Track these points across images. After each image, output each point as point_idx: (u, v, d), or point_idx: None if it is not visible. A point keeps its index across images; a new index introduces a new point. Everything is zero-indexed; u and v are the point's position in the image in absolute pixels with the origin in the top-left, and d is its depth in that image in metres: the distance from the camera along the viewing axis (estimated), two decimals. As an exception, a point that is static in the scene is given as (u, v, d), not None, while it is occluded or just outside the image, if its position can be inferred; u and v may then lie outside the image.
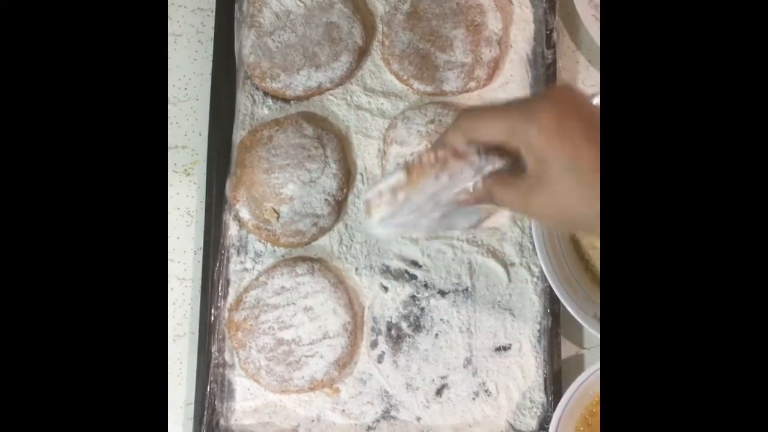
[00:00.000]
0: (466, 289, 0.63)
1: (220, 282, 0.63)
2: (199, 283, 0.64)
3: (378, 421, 0.62)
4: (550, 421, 0.59)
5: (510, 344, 0.62)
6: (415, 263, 0.64)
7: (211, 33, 0.67)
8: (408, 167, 0.44)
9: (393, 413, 0.62)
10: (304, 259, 0.63)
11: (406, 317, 0.63)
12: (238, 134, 0.65)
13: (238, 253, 0.64)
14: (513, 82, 0.66)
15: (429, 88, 0.65)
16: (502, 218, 0.64)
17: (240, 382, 0.62)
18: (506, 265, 0.63)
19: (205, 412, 0.60)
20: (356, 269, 0.64)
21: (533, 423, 0.61)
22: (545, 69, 0.65)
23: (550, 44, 0.65)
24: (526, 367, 0.62)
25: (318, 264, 0.63)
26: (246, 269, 0.64)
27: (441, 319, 0.63)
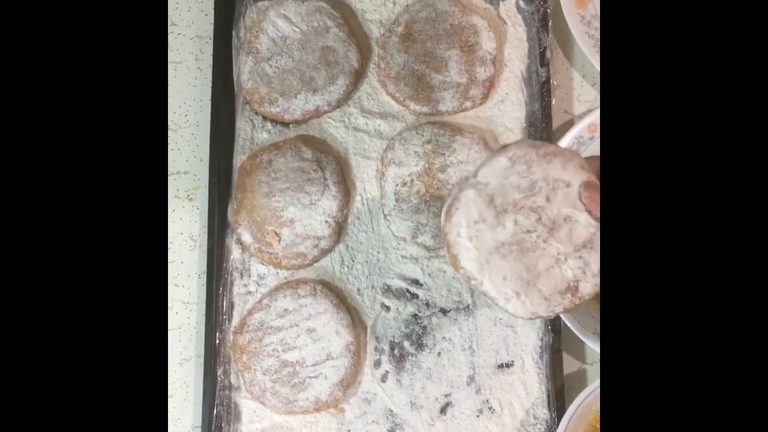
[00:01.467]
0: (468, 307, 0.64)
1: (225, 305, 0.64)
2: (203, 306, 0.65)
3: (383, 440, 0.62)
4: (554, 437, 0.59)
5: (512, 361, 0.63)
6: (416, 282, 0.64)
7: (210, 60, 0.68)
8: None
9: (398, 432, 0.62)
10: (306, 280, 0.64)
11: (408, 336, 0.63)
12: (239, 159, 0.66)
13: (242, 276, 0.65)
14: (508, 100, 0.67)
15: (425, 109, 0.65)
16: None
17: (246, 404, 0.63)
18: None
19: (212, 435, 0.61)
20: (358, 289, 0.64)
21: (537, 439, 0.61)
22: (540, 87, 0.66)
23: (544, 62, 0.66)
24: (529, 384, 0.62)
25: (320, 285, 0.63)
26: (249, 292, 0.65)
27: (443, 338, 0.63)
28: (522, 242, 0.45)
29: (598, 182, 0.46)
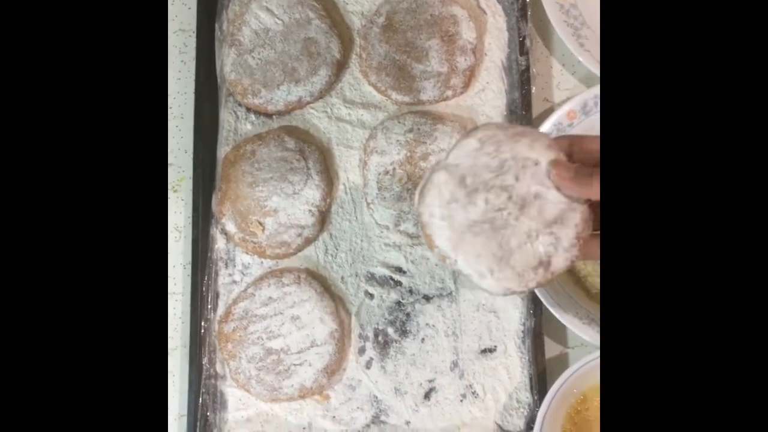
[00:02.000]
0: (450, 293, 0.64)
1: (210, 295, 0.64)
2: (189, 296, 0.65)
3: (368, 426, 0.63)
4: (536, 420, 0.60)
5: (495, 346, 0.63)
6: (399, 269, 0.65)
7: (193, 53, 0.69)
8: None
9: (383, 418, 0.63)
10: (290, 269, 0.65)
11: (392, 323, 0.64)
12: (223, 150, 0.67)
13: (226, 266, 0.66)
14: (489, 89, 0.67)
15: (407, 98, 0.66)
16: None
17: (232, 392, 0.63)
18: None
19: (198, 424, 0.62)
20: (342, 277, 0.65)
21: (520, 423, 0.62)
22: (520, 75, 0.66)
23: (524, 51, 0.67)
24: (512, 368, 0.63)
25: (304, 274, 0.64)
26: (234, 281, 0.65)
27: (426, 324, 0.64)
28: (493, 220, 0.46)
29: (565, 160, 0.46)
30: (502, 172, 0.46)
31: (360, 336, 0.64)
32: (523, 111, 0.66)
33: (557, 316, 0.61)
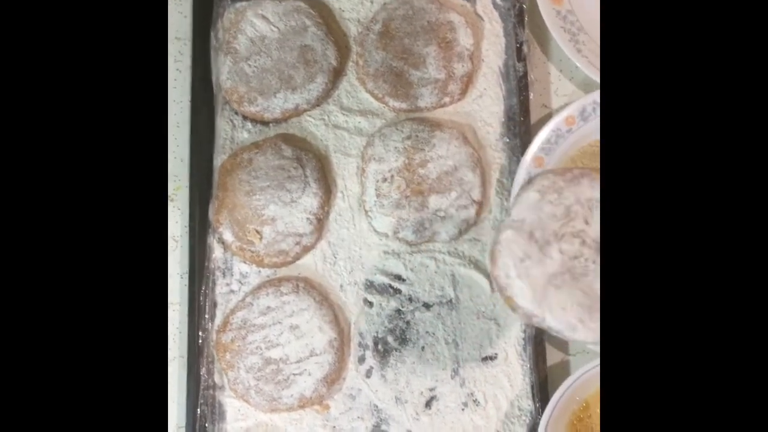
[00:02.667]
0: (450, 301, 0.64)
1: (207, 305, 0.64)
2: (186, 306, 0.65)
3: (368, 436, 0.62)
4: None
5: (496, 354, 0.63)
6: (398, 277, 0.64)
7: (189, 61, 0.68)
8: None
9: (383, 427, 0.62)
10: (288, 278, 0.64)
11: (392, 331, 0.64)
12: (219, 158, 0.66)
13: (224, 275, 0.65)
14: (486, 95, 0.67)
15: (404, 105, 0.66)
16: (482, 229, 0.65)
17: (230, 403, 0.63)
18: (489, 275, 0.64)
19: (197, 435, 0.61)
20: (341, 286, 0.64)
21: (522, 431, 0.61)
22: (517, 81, 0.66)
23: (521, 57, 0.66)
24: (513, 376, 0.62)
25: (302, 282, 0.64)
26: (232, 291, 0.65)
27: (426, 332, 0.63)
28: (572, 269, 0.45)
29: None
30: (569, 219, 0.46)
31: (359, 345, 0.64)
32: (521, 117, 0.66)
33: (558, 322, 0.60)
